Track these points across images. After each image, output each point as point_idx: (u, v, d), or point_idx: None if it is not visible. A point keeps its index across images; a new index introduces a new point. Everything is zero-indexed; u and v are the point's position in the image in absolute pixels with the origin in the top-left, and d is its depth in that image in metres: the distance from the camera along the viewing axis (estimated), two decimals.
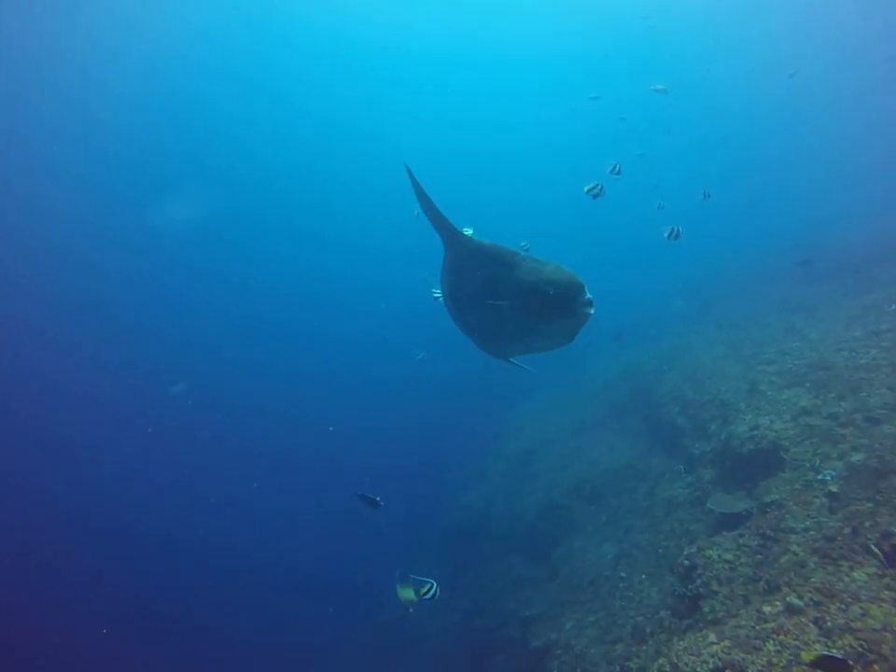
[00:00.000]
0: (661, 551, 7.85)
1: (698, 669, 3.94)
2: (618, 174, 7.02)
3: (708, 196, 9.21)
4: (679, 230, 6.94)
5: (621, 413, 13.32)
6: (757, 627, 4.15)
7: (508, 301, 3.76)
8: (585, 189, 6.39)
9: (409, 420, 18.02)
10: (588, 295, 3.45)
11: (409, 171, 4.37)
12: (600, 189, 6.33)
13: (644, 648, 5.93)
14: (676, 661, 4.20)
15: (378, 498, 5.63)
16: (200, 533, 15.36)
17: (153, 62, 32.09)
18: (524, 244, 8.22)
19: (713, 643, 4.18)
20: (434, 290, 5.76)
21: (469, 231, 5.42)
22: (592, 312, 3.45)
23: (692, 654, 4.16)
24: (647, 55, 32.18)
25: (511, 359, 4.66)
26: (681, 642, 4.52)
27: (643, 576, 7.63)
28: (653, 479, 10.06)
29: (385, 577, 13.35)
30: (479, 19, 34.67)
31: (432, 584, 4.67)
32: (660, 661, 4.36)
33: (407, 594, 4.68)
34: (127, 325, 26.28)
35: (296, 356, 24.61)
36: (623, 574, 8.03)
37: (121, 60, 31.02)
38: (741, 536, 5.85)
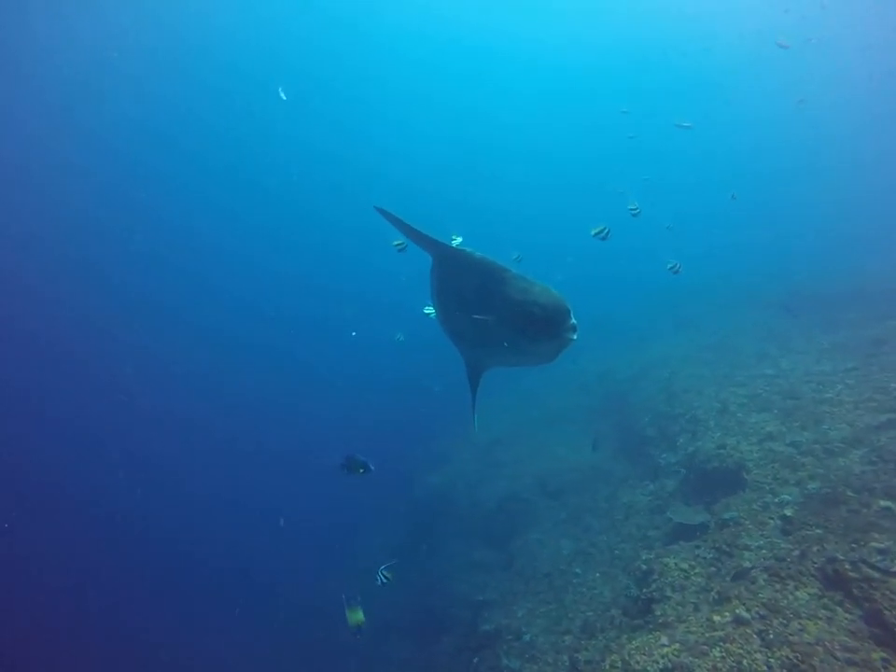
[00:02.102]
0: (617, 552, 8.20)
1: (649, 669, 4.22)
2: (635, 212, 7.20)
3: (735, 198, 9.62)
4: (679, 266, 7.22)
5: (592, 416, 13.66)
6: (706, 634, 4.45)
7: (494, 317, 3.84)
8: (592, 232, 6.55)
9: (384, 400, 18.15)
10: (573, 320, 3.55)
11: (382, 211, 4.30)
12: (607, 233, 6.50)
13: (593, 642, 6.24)
14: (628, 659, 4.48)
15: (370, 464, 5.80)
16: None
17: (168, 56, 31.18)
18: (516, 255, 8.38)
19: (664, 645, 4.46)
20: (426, 308, 5.86)
21: (458, 240, 5.49)
22: (575, 337, 3.55)
23: (643, 654, 4.44)
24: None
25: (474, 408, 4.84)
26: (633, 642, 4.80)
27: (597, 574, 7.96)
28: (616, 483, 10.42)
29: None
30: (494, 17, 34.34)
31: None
32: (612, 657, 4.63)
33: (356, 617, 4.77)
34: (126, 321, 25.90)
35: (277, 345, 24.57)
36: (577, 570, 8.36)
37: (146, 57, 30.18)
38: (697, 547, 6.18)
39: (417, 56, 37.33)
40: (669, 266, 8.33)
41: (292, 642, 12.13)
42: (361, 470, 6.08)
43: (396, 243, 7.06)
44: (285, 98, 19.00)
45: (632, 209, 8.03)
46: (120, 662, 12.03)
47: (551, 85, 38.59)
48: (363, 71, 37.02)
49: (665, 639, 4.55)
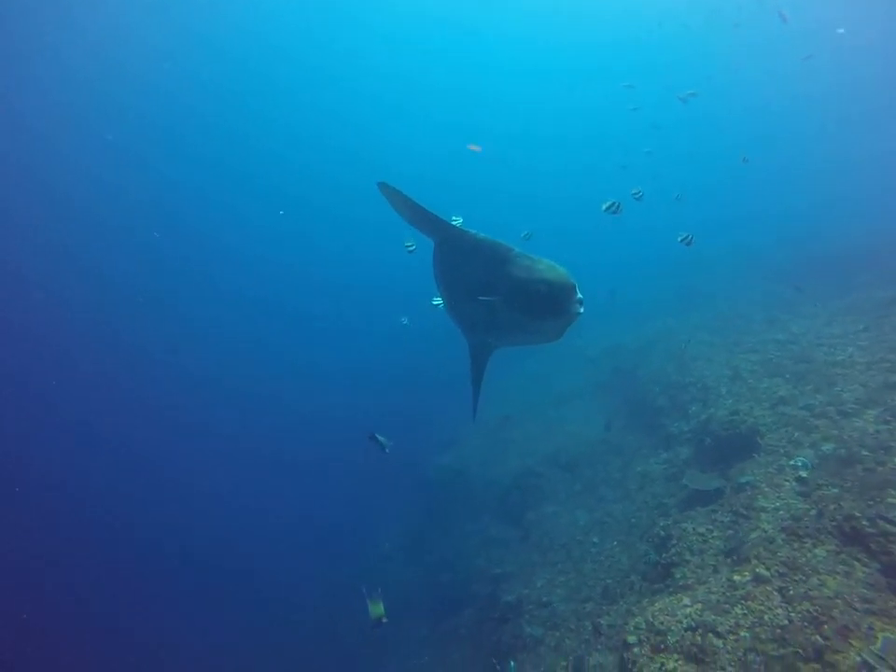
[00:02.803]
0: (633, 520, 8.28)
1: (673, 627, 4.30)
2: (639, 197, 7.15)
3: (747, 160, 9.60)
4: (691, 237, 7.20)
5: (602, 390, 13.72)
6: (727, 593, 4.53)
7: (500, 297, 3.82)
8: (603, 207, 6.51)
9: (392, 381, 18.22)
10: (579, 295, 3.54)
11: (386, 188, 4.13)
12: (617, 207, 6.47)
13: (615, 607, 6.35)
14: (651, 620, 4.56)
15: (387, 443, 5.90)
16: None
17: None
18: (525, 233, 8.33)
19: (686, 605, 4.54)
20: (435, 299, 5.82)
21: (458, 221, 5.44)
22: (582, 311, 3.54)
23: (666, 615, 4.52)
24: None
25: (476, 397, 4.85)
26: (656, 604, 4.88)
27: (615, 543, 8.06)
28: (629, 454, 10.50)
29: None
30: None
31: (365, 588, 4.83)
32: (635, 620, 4.71)
33: (377, 610, 4.86)
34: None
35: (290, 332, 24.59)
36: (595, 540, 8.46)
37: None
38: (714, 512, 6.26)
39: (414, 41, 36.70)
40: (681, 238, 8.32)
41: (314, 624, 12.35)
42: (385, 449, 6.24)
43: (407, 244, 7.04)
44: None
45: (634, 193, 7.91)
46: (122, 662, 12.25)
47: (547, 63, 37.98)
48: (360, 59, 36.54)
49: (686, 600, 4.64)
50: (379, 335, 20.42)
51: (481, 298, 3.92)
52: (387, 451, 6.13)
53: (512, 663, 6.70)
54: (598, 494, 10.05)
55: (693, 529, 6.01)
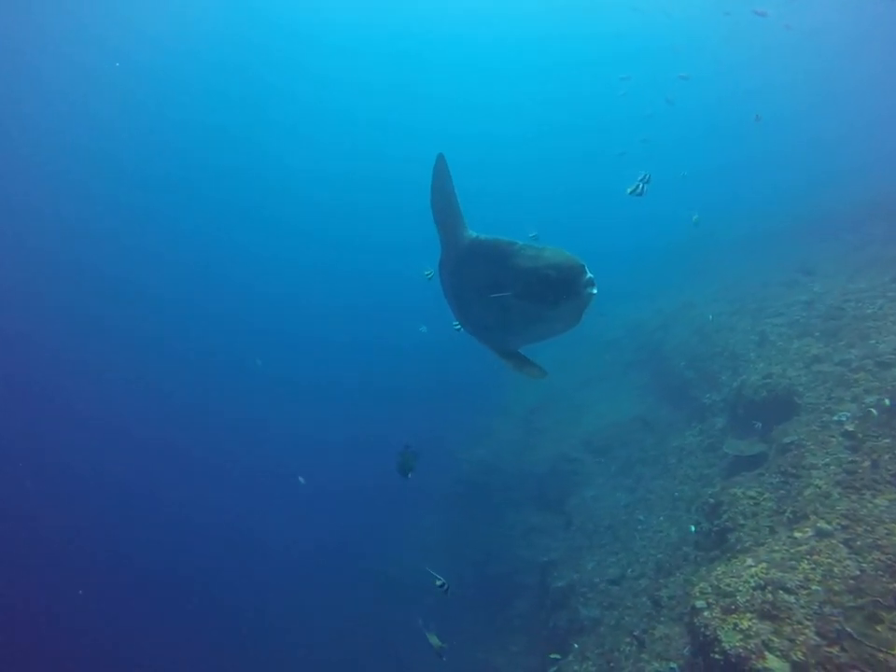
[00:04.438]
0: (677, 494, 8.28)
1: (741, 588, 4.30)
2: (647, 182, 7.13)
3: (759, 119, 9.68)
4: (698, 217, 7.24)
5: (626, 370, 13.71)
6: (791, 550, 4.53)
7: (510, 291, 3.78)
8: (628, 190, 6.53)
9: (415, 382, 18.26)
10: (590, 275, 3.51)
11: (441, 161, 4.28)
12: (642, 189, 6.49)
13: (671, 579, 6.36)
14: (716, 583, 4.57)
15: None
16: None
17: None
18: (533, 234, 8.34)
19: (750, 566, 4.55)
20: (455, 324, 5.83)
21: (533, 235, 5.47)
22: (595, 291, 3.50)
23: (732, 577, 4.53)
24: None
25: (516, 360, 4.77)
26: (717, 569, 4.88)
27: (661, 518, 8.06)
28: (662, 430, 10.50)
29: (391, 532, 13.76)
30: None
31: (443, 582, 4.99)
32: (699, 586, 4.72)
33: (436, 640, 5.22)
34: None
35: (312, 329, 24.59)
36: (640, 517, 8.46)
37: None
38: (762, 475, 6.25)
39: (400, 50, 36.76)
40: (694, 219, 8.48)
41: (366, 618, 12.37)
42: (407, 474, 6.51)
43: (426, 273, 7.09)
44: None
45: (642, 178, 7.84)
46: None
47: (532, 58, 37.84)
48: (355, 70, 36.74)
49: (749, 561, 4.64)
50: (400, 345, 20.49)
51: (492, 296, 3.91)
52: (409, 476, 6.40)
53: (576, 645, 6.72)
54: (636, 473, 10.04)
55: (743, 493, 6.00)
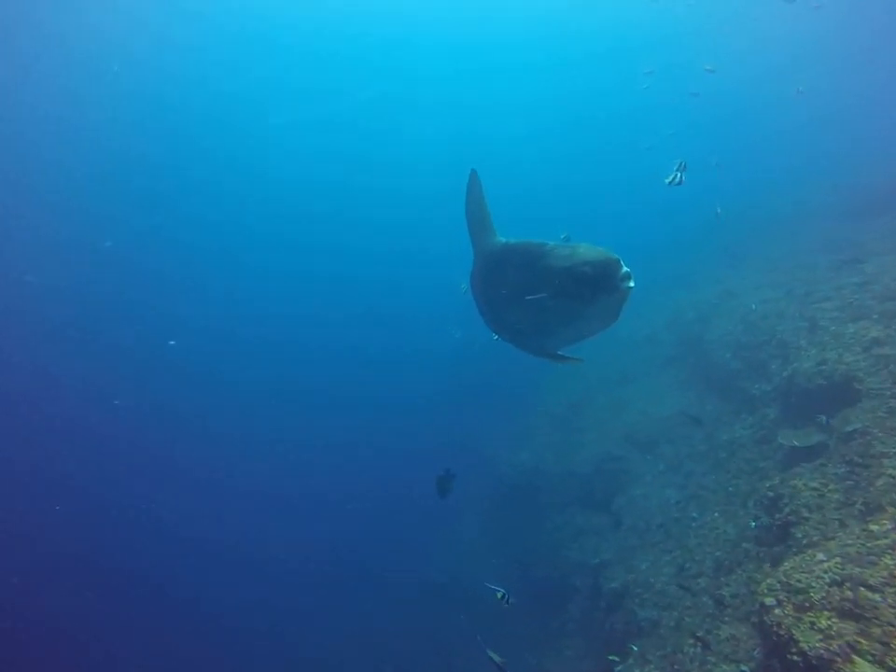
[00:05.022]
0: (731, 489, 7.99)
1: (814, 584, 4.09)
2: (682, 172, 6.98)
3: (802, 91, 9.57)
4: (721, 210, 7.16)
5: (666, 364, 13.39)
6: (868, 544, 4.29)
7: (547, 293, 3.74)
8: (666, 181, 6.44)
9: (449, 388, 18.19)
10: (625, 268, 3.46)
11: (474, 176, 4.55)
12: (680, 178, 6.37)
13: (733, 577, 6.13)
14: (785, 580, 4.36)
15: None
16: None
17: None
18: (563, 235, 8.23)
19: (822, 561, 4.33)
20: (462, 286, 5.82)
21: (565, 236, 5.44)
22: (632, 285, 3.46)
23: (802, 572, 4.31)
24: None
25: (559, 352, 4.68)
26: (784, 565, 4.67)
27: (716, 514, 7.78)
28: (710, 423, 10.18)
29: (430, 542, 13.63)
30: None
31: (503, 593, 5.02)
32: (767, 582, 4.52)
33: (496, 657, 5.17)
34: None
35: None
36: (693, 514, 8.19)
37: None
38: (824, 465, 5.98)
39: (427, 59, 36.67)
40: (718, 211, 8.34)
41: (417, 628, 12.31)
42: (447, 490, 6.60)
43: (463, 287, 7.08)
44: None
45: (679, 167, 7.65)
46: None
47: (549, 55, 37.41)
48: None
49: (821, 555, 4.42)
50: (433, 352, 20.43)
51: (528, 298, 3.85)
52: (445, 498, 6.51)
53: (635, 648, 6.53)
54: (685, 469, 9.76)
55: (805, 485, 5.76)
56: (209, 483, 17.88)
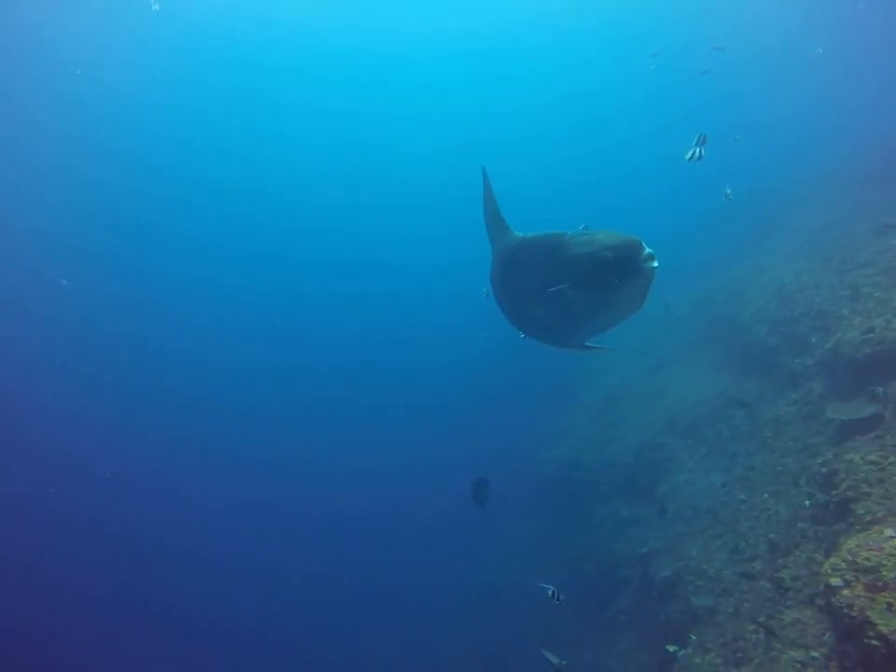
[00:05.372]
0: (779, 468, 7.71)
1: (885, 562, 3.88)
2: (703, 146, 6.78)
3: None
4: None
5: (700, 346, 13.09)
6: None
7: (570, 283, 3.69)
8: (686, 157, 6.31)
9: (481, 391, 18.06)
10: (648, 250, 3.40)
11: (485, 175, 4.62)
12: (700, 153, 6.23)
13: (791, 559, 5.88)
14: (851, 558, 4.16)
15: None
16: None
17: None
18: (582, 226, 8.08)
19: (893, 537, 4.11)
20: (485, 288, 5.77)
21: (582, 227, 5.37)
22: (656, 264, 3.40)
23: (869, 549, 4.11)
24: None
25: (588, 344, 4.57)
26: (848, 543, 4.45)
27: (765, 495, 7.52)
28: (752, 402, 9.88)
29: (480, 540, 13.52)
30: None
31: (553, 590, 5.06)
32: (830, 561, 4.31)
33: (555, 659, 5.13)
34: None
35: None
36: (742, 497, 7.93)
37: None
38: (881, 437, 5.75)
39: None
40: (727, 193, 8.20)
41: (463, 636, 12.22)
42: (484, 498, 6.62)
43: (484, 290, 7.04)
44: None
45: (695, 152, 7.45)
46: None
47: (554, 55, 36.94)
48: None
49: (889, 531, 4.20)
50: (460, 357, 20.35)
51: (552, 290, 3.78)
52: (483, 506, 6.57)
53: (693, 637, 6.33)
54: (729, 451, 9.48)
55: (862, 459, 5.51)
56: (247, 506, 17.97)
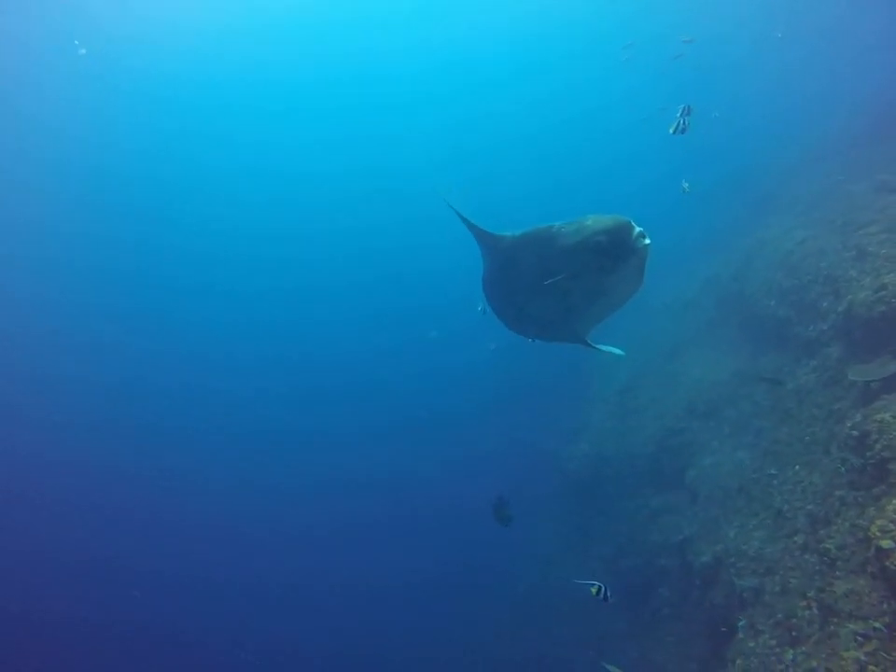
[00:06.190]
0: (807, 438, 7.56)
1: None
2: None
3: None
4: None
5: (712, 327, 12.97)
6: None
7: (565, 273, 3.67)
8: (670, 129, 6.26)
9: (495, 394, 17.94)
10: (638, 228, 3.40)
11: (449, 205, 4.52)
12: (685, 124, 6.18)
13: (834, 528, 5.72)
14: None
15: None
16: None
17: None
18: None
19: None
20: (482, 306, 5.68)
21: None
22: (649, 242, 3.40)
23: None
24: None
25: (592, 344, 4.51)
26: (894, 501, 4.33)
27: (796, 467, 7.37)
28: (770, 376, 9.74)
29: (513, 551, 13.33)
30: None
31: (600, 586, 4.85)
32: (877, 524, 4.20)
33: (615, 669, 5.13)
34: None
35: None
36: (772, 471, 7.77)
37: None
38: None
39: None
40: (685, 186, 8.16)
41: (515, 632, 12.01)
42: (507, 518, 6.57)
43: (480, 307, 7.03)
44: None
45: (679, 123, 7.40)
46: None
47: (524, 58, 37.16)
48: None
49: None
50: (467, 364, 20.27)
51: (547, 283, 3.75)
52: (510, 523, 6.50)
53: (742, 621, 6.16)
54: (753, 427, 9.33)
55: (893, 417, 5.39)
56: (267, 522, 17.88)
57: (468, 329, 18.06)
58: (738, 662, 5.65)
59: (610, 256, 3.47)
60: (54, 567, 16.85)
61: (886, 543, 3.89)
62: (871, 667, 3.98)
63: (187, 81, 32.58)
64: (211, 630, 14.49)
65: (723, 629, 6.39)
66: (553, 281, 3.73)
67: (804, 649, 4.92)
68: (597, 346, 4.54)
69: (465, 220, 4.33)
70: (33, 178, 31.21)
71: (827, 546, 5.54)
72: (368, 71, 35.87)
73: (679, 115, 6.10)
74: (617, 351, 4.58)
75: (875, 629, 4.23)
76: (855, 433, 5.77)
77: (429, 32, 34.50)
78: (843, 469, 6.09)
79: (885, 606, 4.30)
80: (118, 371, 25.10)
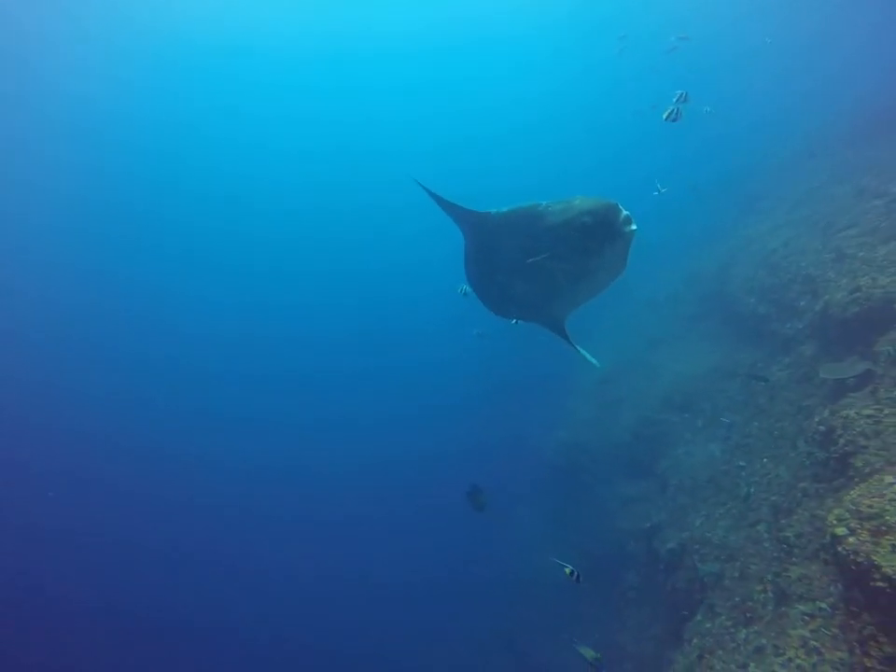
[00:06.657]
0: (776, 433, 7.77)
1: (888, 507, 3.91)
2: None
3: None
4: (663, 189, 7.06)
5: (693, 322, 13.13)
6: None
7: (549, 252, 3.66)
8: (664, 116, 6.27)
9: (476, 386, 18.04)
10: (625, 212, 3.38)
11: (422, 186, 4.28)
12: (678, 112, 6.19)
13: (794, 518, 5.92)
14: (855, 507, 4.18)
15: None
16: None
17: None
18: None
19: (894, 483, 4.14)
20: (463, 287, 5.64)
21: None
22: (634, 227, 3.37)
23: (871, 498, 4.14)
24: None
25: (573, 343, 4.51)
26: (850, 494, 4.48)
27: (764, 460, 7.57)
28: (745, 372, 9.94)
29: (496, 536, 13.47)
30: None
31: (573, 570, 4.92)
32: (835, 512, 4.34)
33: (589, 653, 5.10)
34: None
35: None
36: (741, 463, 7.98)
37: None
38: (874, 392, 5.78)
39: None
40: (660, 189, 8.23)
41: (489, 619, 12.23)
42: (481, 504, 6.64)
43: (461, 289, 6.97)
44: None
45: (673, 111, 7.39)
46: None
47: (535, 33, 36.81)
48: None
49: (890, 478, 4.24)
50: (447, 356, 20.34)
51: (530, 261, 3.75)
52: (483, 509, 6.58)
53: (701, 602, 6.36)
54: (726, 421, 9.53)
55: (858, 413, 5.55)
56: (254, 510, 17.84)
57: (452, 317, 18.15)
58: (695, 641, 5.85)
59: (596, 237, 3.46)
60: (58, 556, 16.86)
61: (840, 531, 4.05)
62: (812, 643, 4.18)
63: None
64: (210, 626, 14.55)
65: (684, 612, 6.58)
66: (537, 260, 3.72)
67: (756, 628, 5.11)
68: (577, 347, 4.59)
69: (443, 201, 4.16)
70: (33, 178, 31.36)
71: (787, 534, 5.74)
72: (368, 72, 35.70)
73: (675, 101, 6.12)
74: (594, 361, 4.63)
75: (820, 609, 4.45)
76: (822, 428, 5.94)
77: (425, 31, 34.21)
78: (808, 462, 6.27)
79: (832, 588, 4.50)
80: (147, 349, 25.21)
